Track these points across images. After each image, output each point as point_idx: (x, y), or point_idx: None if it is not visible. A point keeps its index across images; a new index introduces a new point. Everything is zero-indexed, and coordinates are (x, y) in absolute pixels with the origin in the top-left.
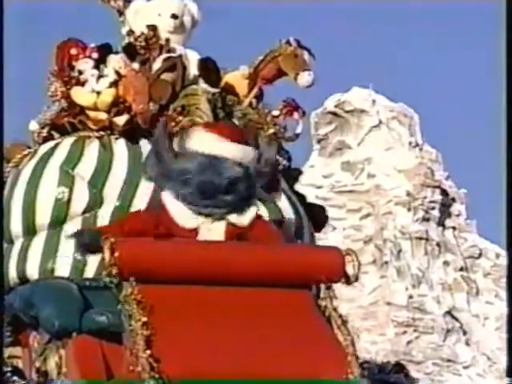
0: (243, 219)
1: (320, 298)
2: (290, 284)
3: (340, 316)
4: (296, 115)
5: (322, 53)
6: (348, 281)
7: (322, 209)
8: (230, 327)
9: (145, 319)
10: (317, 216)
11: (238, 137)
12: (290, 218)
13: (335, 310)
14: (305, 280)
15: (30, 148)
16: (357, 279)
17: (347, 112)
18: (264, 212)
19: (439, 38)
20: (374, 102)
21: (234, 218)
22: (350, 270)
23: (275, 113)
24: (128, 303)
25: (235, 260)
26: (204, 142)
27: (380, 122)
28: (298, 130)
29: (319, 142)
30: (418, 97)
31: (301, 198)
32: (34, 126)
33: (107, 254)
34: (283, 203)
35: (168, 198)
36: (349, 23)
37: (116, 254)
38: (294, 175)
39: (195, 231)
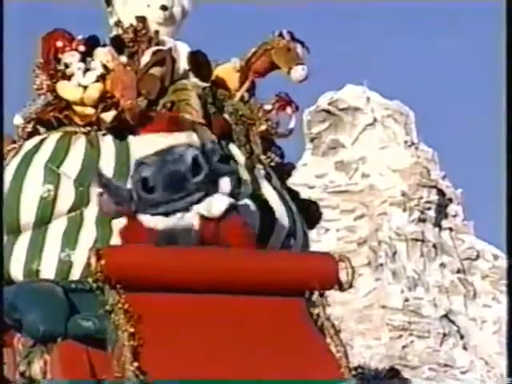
0: (214, 210)
1: (312, 305)
2: (282, 291)
3: (333, 326)
4: (289, 110)
5: (314, 49)
6: (341, 288)
7: (315, 205)
8: (219, 337)
9: (132, 330)
10: (310, 213)
11: (174, 125)
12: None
13: (328, 318)
14: (297, 287)
15: (15, 142)
16: (351, 286)
17: (341, 110)
18: (250, 204)
19: (437, 36)
20: (368, 99)
21: (204, 209)
22: (343, 276)
23: (267, 107)
24: (115, 312)
25: (225, 267)
26: (145, 143)
27: (375, 120)
28: (291, 125)
29: (312, 140)
30: (413, 94)
31: (294, 194)
32: (18, 120)
33: (93, 261)
34: (274, 199)
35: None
36: (342, 18)
37: (102, 262)
38: (286, 170)
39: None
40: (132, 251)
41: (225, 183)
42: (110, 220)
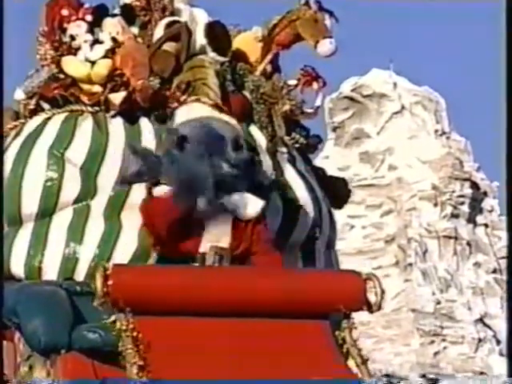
0: (249, 211)
1: (338, 328)
2: (304, 314)
3: (360, 353)
4: (315, 85)
5: (336, 31)
6: (370, 310)
7: (343, 182)
8: (236, 366)
9: (141, 363)
10: (337, 191)
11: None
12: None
13: (355, 344)
14: (320, 309)
15: (17, 114)
16: (379, 308)
17: (365, 97)
18: (273, 191)
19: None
20: (395, 85)
21: (239, 210)
22: (372, 298)
23: (291, 82)
24: (122, 340)
25: (243, 288)
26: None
27: (402, 107)
28: (318, 103)
29: (334, 130)
30: (444, 79)
31: (320, 172)
32: (19, 94)
33: (99, 283)
34: (298, 186)
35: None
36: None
37: (110, 282)
38: (312, 143)
39: (200, 222)
40: (142, 271)
41: (256, 202)
42: (119, 212)
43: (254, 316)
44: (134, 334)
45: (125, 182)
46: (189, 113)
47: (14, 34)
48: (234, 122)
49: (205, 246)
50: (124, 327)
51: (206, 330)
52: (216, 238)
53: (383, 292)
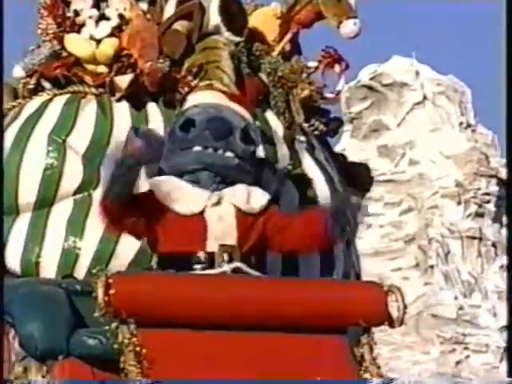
0: (253, 204)
1: (356, 344)
2: (320, 328)
3: (379, 372)
4: (337, 68)
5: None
6: (391, 325)
7: (365, 168)
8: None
9: (144, 381)
10: (358, 178)
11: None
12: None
13: (374, 362)
14: (338, 323)
15: (16, 93)
16: (402, 323)
17: (385, 86)
18: (289, 183)
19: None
20: (417, 73)
21: (242, 203)
22: (393, 312)
23: (312, 64)
24: (124, 354)
25: (256, 299)
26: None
27: (424, 97)
28: (339, 87)
29: (352, 121)
30: (471, 68)
31: (340, 159)
32: (19, 71)
33: (101, 292)
34: (317, 177)
35: (161, 180)
36: None
37: (112, 291)
38: (332, 127)
39: (201, 218)
40: (147, 278)
41: (262, 194)
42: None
43: (266, 330)
44: (137, 348)
45: (124, 164)
46: (198, 99)
47: (13, 1)
48: (244, 112)
49: (211, 244)
50: (126, 340)
51: (216, 344)
52: (222, 235)
53: (406, 307)
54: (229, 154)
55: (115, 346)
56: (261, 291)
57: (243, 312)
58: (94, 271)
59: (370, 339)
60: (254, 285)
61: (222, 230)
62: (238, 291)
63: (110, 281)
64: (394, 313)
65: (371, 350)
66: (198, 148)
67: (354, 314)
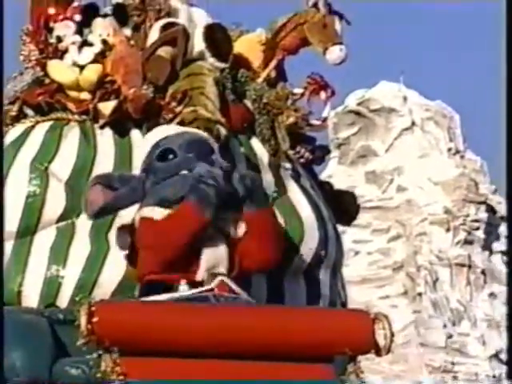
0: (238, 231)
1: (343, 373)
2: (307, 356)
3: None
4: (323, 95)
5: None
6: (378, 353)
7: (352, 197)
8: None
9: None
10: (344, 207)
11: None
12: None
13: None
14: (325, 352)
15: None
16: (389, 351)
17: (373, 111)
18: (276, 210)
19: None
20: (405, 99)
21: (231, 229)
22: (380, 340)
23: (298, 91)
24: (107, 382)
25: (240, 327)
26: (151, 140)
27: (413, 123)
28: (325, 114)
29: (339, 147)
30: (459, 93)
31: (326, 187)
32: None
33: (84, 320)
34: (302, 205)
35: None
36: (375, 8)
37: (95, 319)
38: (318, 155)
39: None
40: (131, 306)
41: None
42: (107, 232)
43: (251, 358)
44: (121, 377)
45: (104, 212)
46: (159, 135)
47: None
48: (208, 136)
49: (202, 273)
50: (109, 369)
51: (200, 372)
52: (213, 263)
53: (393, 335)
54: (217, 171)
55: (98, 375)
56: (246, 319)
57: (228, 340)
58: (77, 299)
59: (357, 367)
60: (240, 313)
61: (214, 258)
62: (223, 319)
63: (93, 309)
64: (381, 341)
65: (358, 378)
66: (184, 172)
67: (340, 343)
